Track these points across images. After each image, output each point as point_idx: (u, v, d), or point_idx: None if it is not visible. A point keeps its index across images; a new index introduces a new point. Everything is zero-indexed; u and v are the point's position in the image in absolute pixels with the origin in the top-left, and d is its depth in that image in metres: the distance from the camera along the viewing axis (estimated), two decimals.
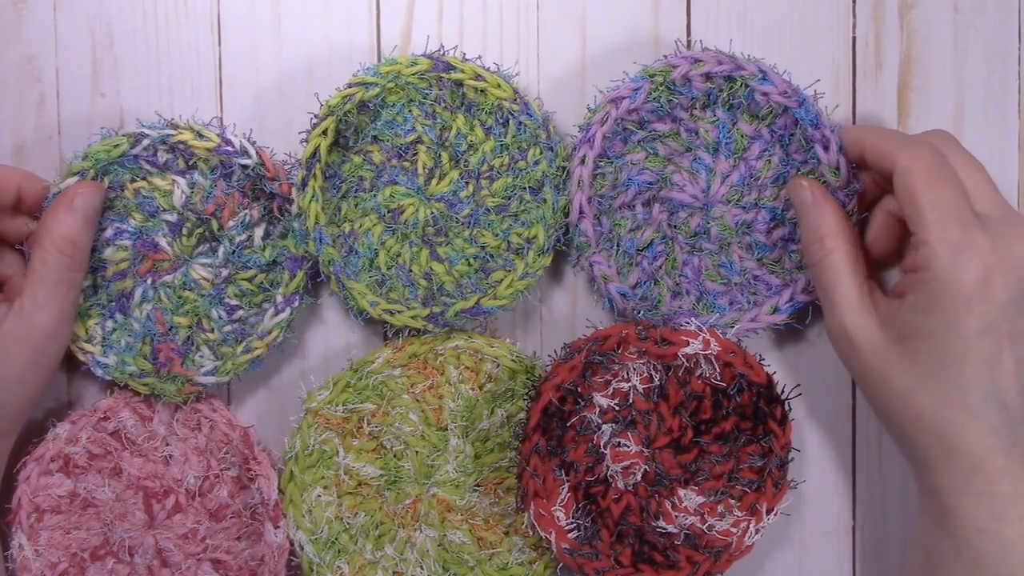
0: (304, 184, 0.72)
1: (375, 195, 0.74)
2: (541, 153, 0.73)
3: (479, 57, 0.75)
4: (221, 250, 0.73)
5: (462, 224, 0.75)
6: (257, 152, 0.72)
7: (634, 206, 0.75)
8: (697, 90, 0.73)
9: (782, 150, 0.74)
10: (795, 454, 0.75)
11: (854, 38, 0.77)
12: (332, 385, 0.74)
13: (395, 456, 0.75)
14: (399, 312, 0.72)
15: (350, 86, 0.72)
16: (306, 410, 0.74)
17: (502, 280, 0.74)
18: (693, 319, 0.72)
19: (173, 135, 0.72)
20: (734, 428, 0.73)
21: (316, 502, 0.73)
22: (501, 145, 0.74)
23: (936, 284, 0.59)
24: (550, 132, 0.73)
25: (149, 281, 0.74)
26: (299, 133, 0.74)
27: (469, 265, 0.75)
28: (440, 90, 0.73)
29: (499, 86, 0.72)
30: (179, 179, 0.73)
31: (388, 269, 0.75)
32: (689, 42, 0.77)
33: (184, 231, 0.74)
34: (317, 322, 0.78)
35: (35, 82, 0.77)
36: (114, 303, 0.74)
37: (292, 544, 0.73)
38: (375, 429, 0.75)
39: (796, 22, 0.77)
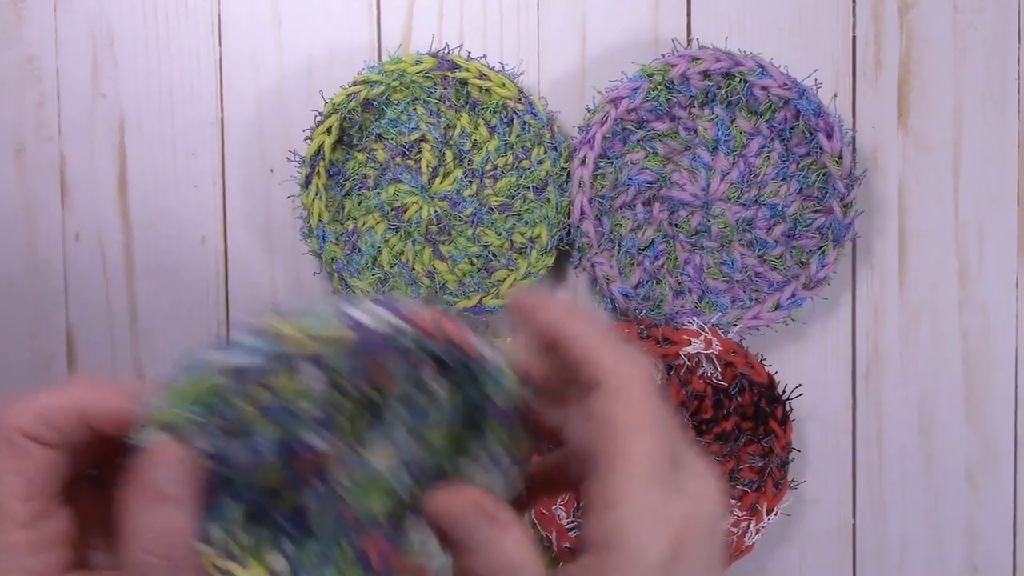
0: (308, 181, 0.72)
1: (379, 193, 0.74)
2: (545, 153, 0.73)
3: (483, 56, 0.75)
4: (399, 425, 0.50)
5: (465, 223, 0.75)
6: (412, 319, 0.46)
7: (635, 206, 0.75)
8: (695, 88, 0.73)
9: (782, 145, 0.74)
10: (795, 454, 0.75)
11: (854, 38, 0.78)
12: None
13: None
14: None
15: (355, 84, 0.72)
16: None
17: (505, 279, 0.74)
18: (695, 318, 0.73)
19: (283, 351, 0.45)
20: (735, 428, 0.74)
21: None
22: (505, 144, 0.74)
23: (624, 568, 0.41)
24: (554, 132, 0.73)
25: (320, 488, 0.49)
26: (303, 131, 0.74)
27: (472, 264, 0.75)
28: (445, 89, 0.73)
29: (504, 85, 0.73)
30: (307, 368, 0.47)
31: (391, 267, 0.75)
32: (689, 42, 0.77)
33: (339, 424, 0.50)
34: None
35: (35, 82, 0.77)
36: (286, 521, 0.50)
37: None
38: None
39: (796, 22, 0.77)
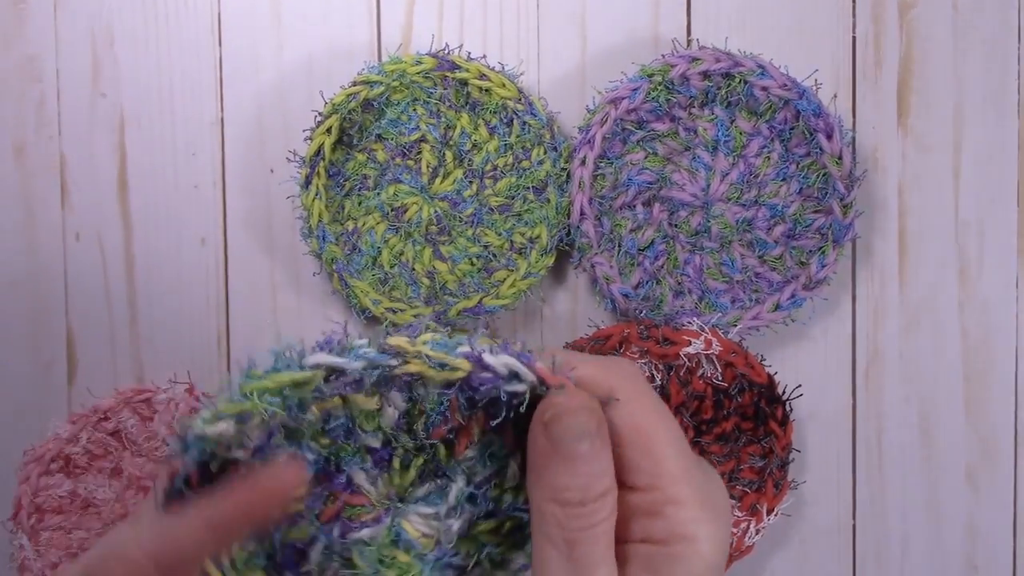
0: (308, 182, 0.72)
1: (379, 193, 0.74)
2: (545, 153, 0.73)
3: (483, 56, 0.75)
4: (454, 493, 0.46)
5: (465, 223, 0.75)
6: (534, 368, 0.43)
7: (635, 206, 0.75)
8: (695, 88, 0.73)
9: (781, 145, 0.74)
10: (795, 454, 0.75)
11: (854, 38, 0.78)
12: None
13: None
14: (401, 311, 0.72)
15: (355, 84, 0.72)
16: None
17: (505, 279, 0.74)
18: (695, 318, 0.73)
19: (395, 366, 0.43)
20: (735, 428, 0.74)
21: None
22: (505, 144, 0.74)
23: (700, 560, 0.42)
24: (554, 132, 0.73)
25: (336, 533, 0.46)
26: (303, 131, 0.74)
27: (472, 264, 0.75)
28: (445, 89, 0.73)
29: (504, 86, 0.73)
30: (394, 395, 0.45)
31: (391, 267, 0.75)
32: (689, 42, 0.77)
33: (396, 462, 0.47)
34: None
35: (35, 82, 0.77)
36: (281, 554, 0.46)
37: None
38: None
39: (796, 22, 0.77)
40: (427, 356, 0.42)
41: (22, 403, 0.78)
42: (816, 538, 0.79)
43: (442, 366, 0.42)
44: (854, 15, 0.78)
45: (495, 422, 0.44)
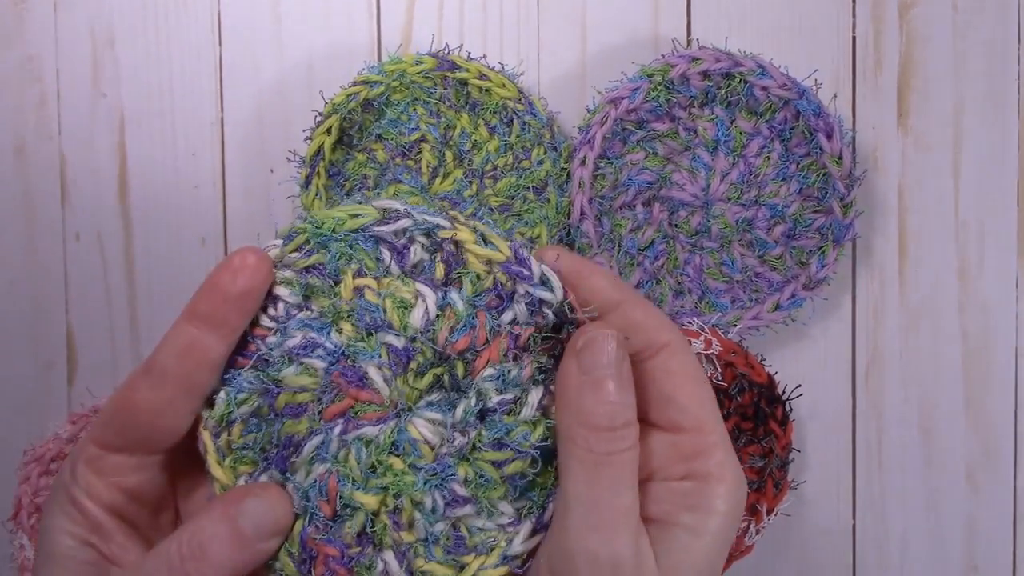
0: (308, 182, 0.72)
1: (379, 193, 0.74)
2: (545, 153, 0.73)
3: (483, 56, 0.75)
4: (462, 407, 0.46)
5: None
6: (563, 289, 0.45)
7: (634, 206, 0.75)
8: (695, 88, 0.73)
9: (782, 145, 0.74)
10: (795, 454, 0.75)
11: (854, 38, 0.78)
12: None
13: None
14: None
15: (355, 84, 0.72)
16: None
17: None
18: (695, 318, 0.72)
19: (446, 229, 0.45)
20: (735, 428, 0.73)
21: None
22: (505, 144, 0.74)
23: (732, 501, 0.44)
24: (554, 132, 0.73)
25: (337, 430, 0.45)
26: (303, 131, 0.74)
27: None
28: (445, 89, 0.73)
29: (503, 86, 0.73)
30: (427, 291, 0.46)
31: None
32: (689, 42, 0.77)
33: (413, 366, 0.47)
34: None
35: (35, 82, 0.77)
36: (275, 451, 0.46)
37: None
38: None
39: (796, 22, 0.77)
40: (475, 227, 0.45)
41: (22, 403, 0.78)
42: (816, 538, 0.79)
43: (486, 241, 0.45)
44: (854, 15, 0.78)
45: (515, 351, 0.45)
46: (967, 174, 0.78)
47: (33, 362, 0.78)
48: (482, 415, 0.45)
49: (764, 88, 0.72)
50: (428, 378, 0.46)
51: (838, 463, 0.79)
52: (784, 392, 0.73)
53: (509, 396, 0.45)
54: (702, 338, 0.71)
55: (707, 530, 0.43)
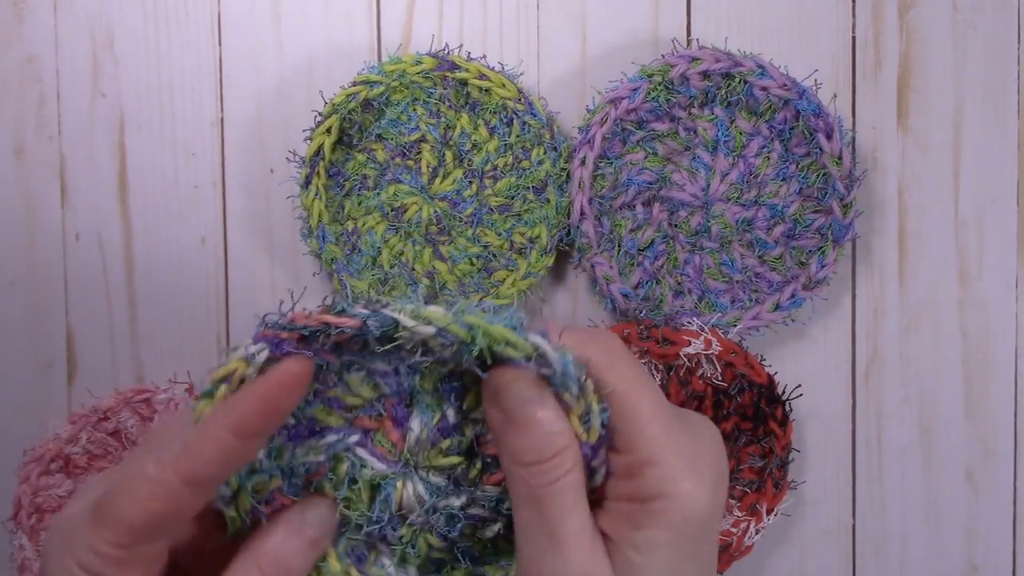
0: (308, 182, 0.72)
1: (379, 193, 0.74)
2: (545, 153, 0.73)
3: (483, 56, 0.75)
4: (450, 500, 0.49)
5: (465, 223, 0.75)
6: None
7: (634, 206, 0.75)
8: (695, 88, 0.73)
9: (781, 145, 0.74)
10: (795, 454, 0.75)
11: (854, 38, 0.78)
12: None
13: None
14: None
15: (354, 84, 0.72)
16: None
17: (505, 280, 0.74)
18: (695, 318, 0.73)
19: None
20: (735, 428, 0.74)
21: None
22: (505, 145, 0.74)
23: (679, 514, 0.44)
24: (554, 132, 0.73)
25: (353, 439, 0.48)
26: (303, 131, 0.74)
27: (472, 264, 0.75)
28: (444, 89, 0.73)
29: (503, 86, 0.73)
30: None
31: (391, 268, 0.75)
32: (689, 42, 0.77)
33: (445, 444, 0.49)
34: None
35: (35, 82, 0.77)
36: (295, 426, 0.48)
37: None
38: None
39: (796, 22, 0.77)
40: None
41: (22, 403, 0.78)
42: (816, 538, 0.79)
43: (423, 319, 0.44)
44: (854, 15, 0.78)
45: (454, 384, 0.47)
46: (967, 174, 0.78)
47: (33, 362, 0.78)
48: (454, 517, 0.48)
49: (764, 88, 0.72)
50: (448, 460, 0.48)
51: (838, 463, 0.79)
52: (784, 392, 0.73)
53: (487, 516, 0.48)
54: (702, 338, 0.71)
55: (655, 546, 0.44)
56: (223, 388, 0.42)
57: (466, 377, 0.46)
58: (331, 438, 0.47)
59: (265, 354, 0.42)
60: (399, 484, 0.47)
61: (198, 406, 0.42)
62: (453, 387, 0.46)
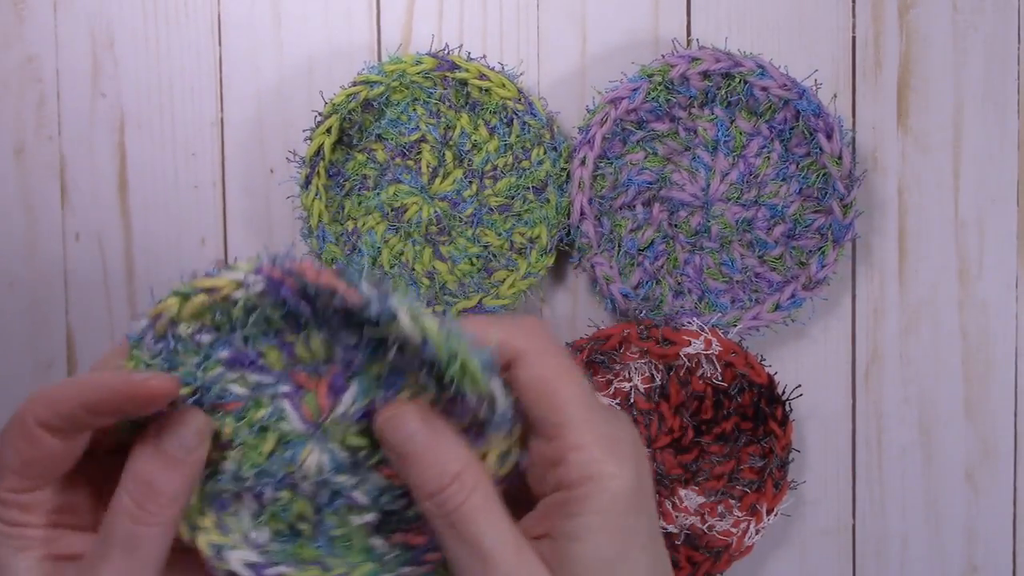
0: (308, 182, 0.72)
1: (379, 193, 0.74)
2: (545, 153, 0.73)
3: (483, 56, 0.75)
4: (343, 480, 0.48)
5: (465, 223, 0.75)
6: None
7: (634, 206, 0.75)
8: (695, 88, 0.73)
9: (781, 145, 0.74)
10: (795, 454, 0.75)
11: (854, 38, 0.78)
12: None
13: None
14: None
15: (355, 84, 0.72)
16: None
17: (505, 280, 0.74)
18: (695, 318, 0.73)
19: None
20: (735, 428, 0.74)
21: None
22: (505, 145, 0.74)
23: (608, 494, 0.44)
24: (554, 132, 0.73)
25: (283, 388, 0.47)
26: (303, 131, 0.74)
27: (472, 264, 0.75)
28: (445, 89, 0.73)
29: (503, 86, 0.73)
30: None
31: (391, 268, 0.75)
32: (689, 42, 0.77)
33: (365, 423, 0.48)
34: None
35: (35, 82, 0.77)
36: (243, 351, 0.47)
37: None
38: None
39: (796, 22, 0.77)
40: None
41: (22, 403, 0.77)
42: (816, 538, 0.79)
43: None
44: (854, 15, 0.78)
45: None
46: (967, 174, 0.78)
47: (33, 362, 0.78)
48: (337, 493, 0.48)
49: (764, 88, 0.72)
50: (358, 440, 0.47)
51: (838, 463, 0.79)
52: (784, 392, 0.73)
53: (365, 504, 0.48)
54: (702, 338, 0.71)
55: (590, 532, 0.44)
56: (202, 297, 0.43)
57: (410, 378, 0.45)
58: (266, 378, 0.46)
59: (260, 287, 0.43)
60: (308, 447, 0.47)
61: (162, 304, 0.43)
62: (395, 383, 0.45)
